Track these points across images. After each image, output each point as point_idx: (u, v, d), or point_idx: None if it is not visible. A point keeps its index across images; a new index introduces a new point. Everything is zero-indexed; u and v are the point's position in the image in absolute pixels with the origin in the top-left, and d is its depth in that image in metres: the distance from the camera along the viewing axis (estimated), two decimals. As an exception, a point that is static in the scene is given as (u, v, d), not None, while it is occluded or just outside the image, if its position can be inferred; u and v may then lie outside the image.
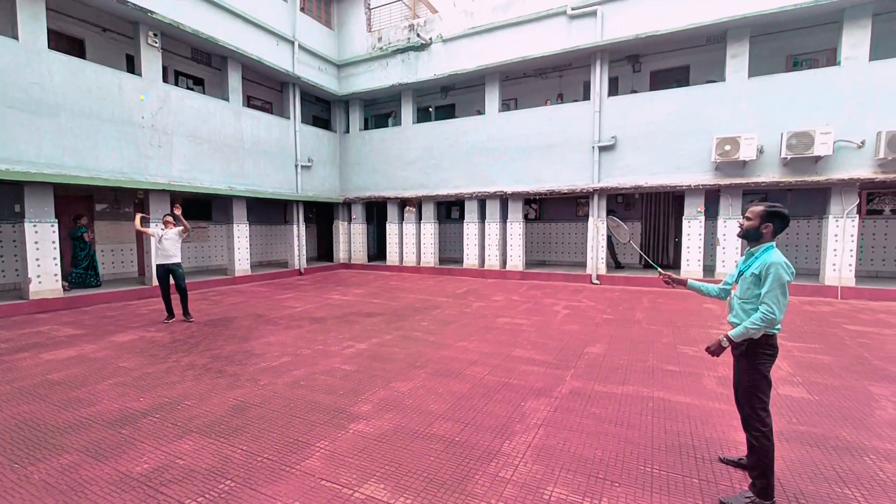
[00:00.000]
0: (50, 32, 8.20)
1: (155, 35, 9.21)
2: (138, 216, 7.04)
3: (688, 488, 2.50)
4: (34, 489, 2.49)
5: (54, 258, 7.80)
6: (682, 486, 2.52)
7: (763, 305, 2.26)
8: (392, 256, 14.05)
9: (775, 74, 9.32)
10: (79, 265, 9.07)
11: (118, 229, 10.52)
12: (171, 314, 6.90)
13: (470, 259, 12.66)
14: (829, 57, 9.77)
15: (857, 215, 8.76)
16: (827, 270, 8.91)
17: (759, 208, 2.43)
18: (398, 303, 8.41)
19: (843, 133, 8.48)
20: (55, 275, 7.83)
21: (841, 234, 8.73)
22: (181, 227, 6.81)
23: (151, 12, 8.68)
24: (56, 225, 7.85)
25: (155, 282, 7.13)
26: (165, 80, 9.93)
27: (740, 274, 2.52)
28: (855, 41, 8.46)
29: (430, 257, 13.32)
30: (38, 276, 7.60)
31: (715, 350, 2.46)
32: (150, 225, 7.24)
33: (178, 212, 6.76)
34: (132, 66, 9.78)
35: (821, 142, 8.28)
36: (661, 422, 3.33)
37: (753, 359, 2.36)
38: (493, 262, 12.31)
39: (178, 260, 6.86)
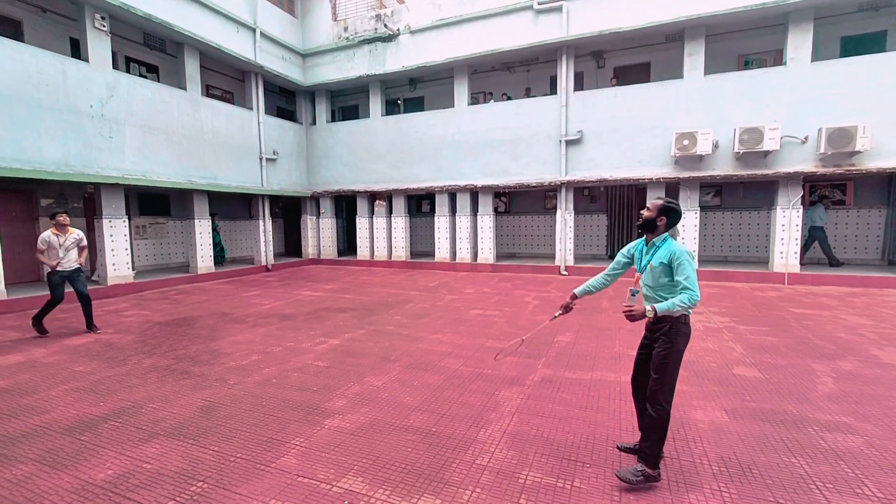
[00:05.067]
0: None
1: (102, 18, 8.62)
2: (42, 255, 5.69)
3: (653, 465, 2.64)
4: (-15, 503, 2.34)
5: (-6, 258, 7.23)
6: (648, 463, 2.67)
7: (688, 291, 2.39)
8: (363, 251, 13.89)
9: (728, 73, 9.82)
10: (213, 249, 11.87)
11: (66, 226, 9.82)
12: (43, 331, 5.76)
13: (441, 252, 12.70)
14: (776, 57, 10.38)
15: (801, 206, 9.41)
16: (775, 258, 9.54)
17: (658, 202, 2.64)
18: (370, 297, 8.35)
19: (789, 129, 9.05)
20: (-4, 276, 7.26)
21: (787, 224, 9.36)
22: (80, 236, 5.87)
23: (98, -7, 8.11)
24: (-5, 222, 7.27)
25: (49, 289, 5.69)
26: (115, 66, 9.31)
27: (646, 264, 2.64)
28: (798, 43, 9.03)
29: (401, 251, 13.25)
30: (-24, 278, 7.03)
31: (637, 316, 2.47)
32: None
33: (64, 220, 5.74)
34: (77, 50, 9.13)
35: (769, 137, 8.81)
36: (627, 405, 3.49)
37: (674, 337, 2.50)
38: (464, 255, 12.40)
39: (77, 265, 5.87)
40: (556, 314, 3.00)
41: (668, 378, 2.50)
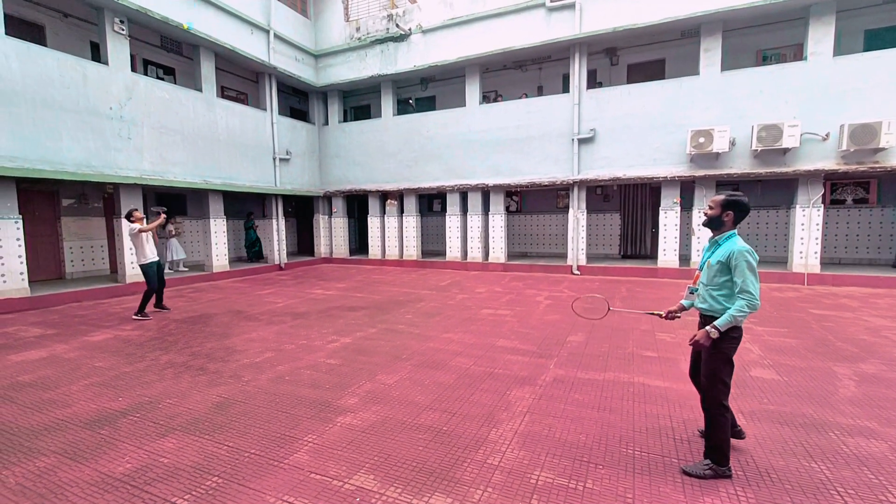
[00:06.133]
0: (6, 17, 7.75)
1: (121, 22, 8.81)
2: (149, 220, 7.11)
3: (667, 467, 2.61)
4: (10, 493, 2.41)
5: (19, 256, 7.45)
6: (662, 465, 2.63)
7: (745, 294, 2.34)
8: (374, 250, 13.96)
9: (746, 68, 9.61)
10: (252, 247, 13.49)
11: (87, 225, 10.09)
12: (164, 308, 7.19)
13: (452, 252, 12.69)
14: (797, 52, 10.13)
15: (822, 205, 9.16)
16: (794, 258, 9.31)
17: (720, 197, 2.56)
18: (381, 296, 8.39)
19: (809, 126, 8.82)
20: (21, 273, 7.48)
21: (807, 224, 9.12)
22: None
23: (117, -3, 8.28)
24: (21, 221, 7.47)
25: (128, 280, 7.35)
26: (134, 69, 9.51)
27: (704, 262, 2.64)
28: (819, 37, 8.79)
29: (412, 250, 13.28)
30: (3, 276, 7.25)
31: (704, 342, 2.45)
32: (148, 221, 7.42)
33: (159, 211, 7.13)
34: (97, 54, 9.34)
35: (789, 134, 8.59)
36: (640, 406, 3.45)
37: (721, 343, 2.45)
38: (475, 254, 12.38)
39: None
40: (660, 313, 2.91)
41: (721, 385, 2.48)
